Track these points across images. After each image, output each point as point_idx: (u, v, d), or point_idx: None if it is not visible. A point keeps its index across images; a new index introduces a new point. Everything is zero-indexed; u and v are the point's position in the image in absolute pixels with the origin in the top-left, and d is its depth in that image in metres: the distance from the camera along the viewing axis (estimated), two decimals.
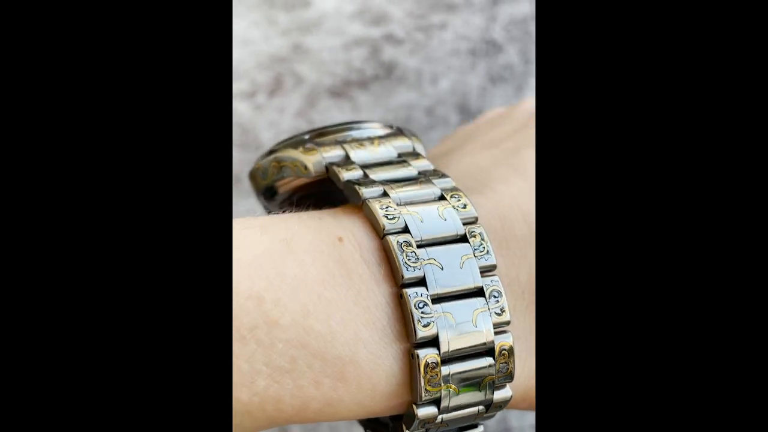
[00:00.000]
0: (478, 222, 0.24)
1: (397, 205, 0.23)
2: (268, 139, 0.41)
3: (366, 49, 0.41)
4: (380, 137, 0.26)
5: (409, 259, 0.22)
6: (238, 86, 0.41)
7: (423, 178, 0.25)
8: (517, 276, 0.25)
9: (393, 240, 0.23)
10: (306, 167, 0.25)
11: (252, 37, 0.41)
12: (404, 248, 0.22)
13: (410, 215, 0.23)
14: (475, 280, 0.23)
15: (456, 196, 0.24)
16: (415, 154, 0.26)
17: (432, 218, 0.23)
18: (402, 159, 0.26)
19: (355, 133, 0.26)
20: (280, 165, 0.26)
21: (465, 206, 0.24)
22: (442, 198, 0.24)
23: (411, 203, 0.24)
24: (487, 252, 0.23)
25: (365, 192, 0.23)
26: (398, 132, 0.27)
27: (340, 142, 0.26)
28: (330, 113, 0.42)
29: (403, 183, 0.24)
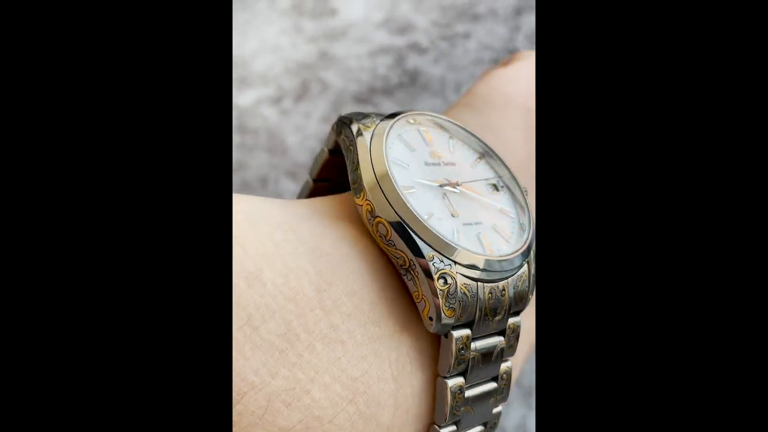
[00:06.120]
0: None
1: None
2: (294, 143, 0.41)
3: (391, 57, 0.42)
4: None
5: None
6: (265, 92, 0.42)
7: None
8: None
9: None
10: None
11: (280, 44, 0.42)
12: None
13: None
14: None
15: None
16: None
17: None
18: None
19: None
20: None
21: None
22: None
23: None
24: None
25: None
26: None
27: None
28: None
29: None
